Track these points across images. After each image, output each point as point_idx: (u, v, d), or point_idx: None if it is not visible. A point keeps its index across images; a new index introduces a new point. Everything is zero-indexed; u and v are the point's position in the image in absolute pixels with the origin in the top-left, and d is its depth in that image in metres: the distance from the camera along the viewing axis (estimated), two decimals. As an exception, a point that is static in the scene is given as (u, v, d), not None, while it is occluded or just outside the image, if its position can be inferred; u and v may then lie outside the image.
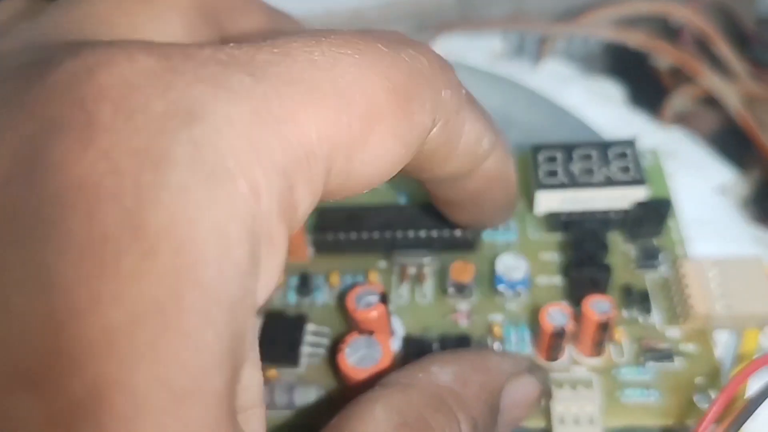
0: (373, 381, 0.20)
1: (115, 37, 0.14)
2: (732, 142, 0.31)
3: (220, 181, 0.11)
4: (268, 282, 0.12)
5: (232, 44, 0.13)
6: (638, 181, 0.23)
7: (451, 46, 0.33)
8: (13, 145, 0.11)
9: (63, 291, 0.10)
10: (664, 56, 0.32)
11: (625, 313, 0.23)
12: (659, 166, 0.26)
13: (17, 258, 0.10)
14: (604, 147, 0.24)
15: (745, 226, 0.27)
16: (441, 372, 0.18)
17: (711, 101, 0.32)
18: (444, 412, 0.17)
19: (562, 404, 0.20)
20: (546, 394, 0.20)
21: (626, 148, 0.24)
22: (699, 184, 0.28)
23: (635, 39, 0.32)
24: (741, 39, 0.34)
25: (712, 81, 0.31)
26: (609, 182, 0.23)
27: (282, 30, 0.15)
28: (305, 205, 0.13)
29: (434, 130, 0.15)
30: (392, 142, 0.14)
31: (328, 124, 0.13)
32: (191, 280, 0.10)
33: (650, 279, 0.23)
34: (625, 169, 0.23)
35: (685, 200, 0.26)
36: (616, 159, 0.24)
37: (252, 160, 0.11)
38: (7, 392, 0.10)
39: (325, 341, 0.22)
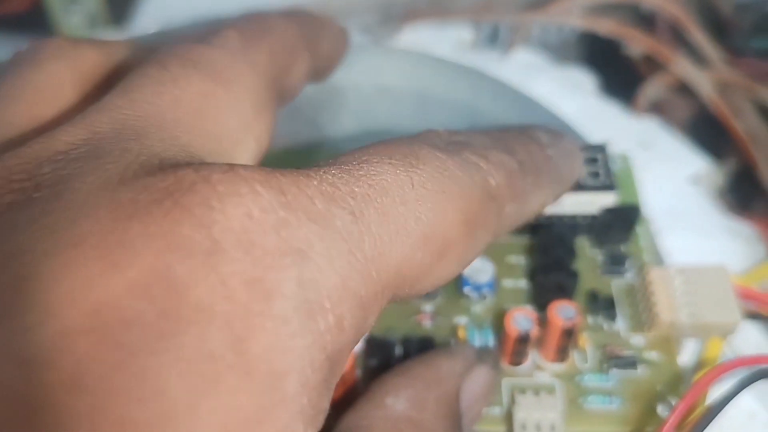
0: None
1: (203, 130, 0.15)
2: (706, 130, 0.31)
3: (315, 316, 0.12)
4: (329, 396, 0.13)
5: (333, 170, 0.14)
6: (608, 187, 0.23)
7: (418, 36, 0.33)
8: (141, 257, 0.11)
9: (167, 400, 0.11)
10: (635, 44, 0.32)
11: (590, 319, 0.22)
12: (629, 170, 0.26)
13: (132, 365, 0.11)
14: (575, 151, 0.24)
15: (719, 216, 0.27)
16: (396, 402, 0.18)
17: (685, 89, 0.32)
18: None
19: (524, 411, 0.20)
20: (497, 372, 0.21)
21: (597, 152, 0.24)
22: (673, 174, 0.28)
23: (606, 27, 0.32)
24: (718, 26, 0.34)
25: (685, 68, 0.31)
26: (578, 187, 0.23)
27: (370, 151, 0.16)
28: (371, 326, 0.14)
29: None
30: (456, 266, 0.16)
31: (406, 260, 0.15)
32: (278, 400, 0.12)
33: (616, 285, 0.23)
34: (595, 175, 0.23)
35: (659, 191, 0.26)
36: (586, 163, 0.23)
37: (342, 297, 0.13)
38: None
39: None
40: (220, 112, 0.16)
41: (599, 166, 0.24)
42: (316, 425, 0.13)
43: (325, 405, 0.13)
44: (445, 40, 0.33)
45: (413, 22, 0.33)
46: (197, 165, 0.13)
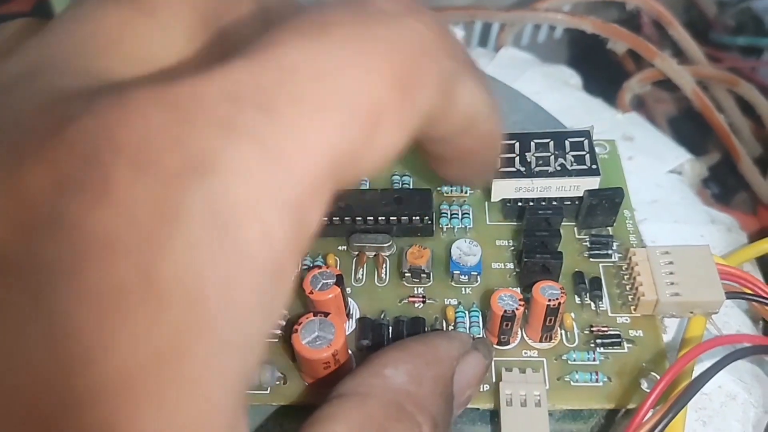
0: (327, 361, 0.21)
1: (124, 55, 0.14)
2: (689, 124, 0.31)
3: (231, 232, 0.11)
4: (275, 314, 0.13)
5: (239, 62, 0.13)
6: (593, 171, 0.24)
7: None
8: (33, 197, 0.11)
9: (78, 338, 0.10)
10: (619, 41, 0.32)
11: (577, 300, 0.23)
12: (616, 155, 0.27)
13: (36, 307, 0.10)
14: (561, 136, 0.25)
15: (700, 206, 0.28)
16: (395, 374, 0.18)
17: (668, 84, 0.32)
18: (404, 419, 0.18)
19: (511, 387, 0.21)
20: (490, 362, 0.21)
21: (583, 137, 0.24)
22: (656, 166, 0.28)
23: (590, 24, 0.33)
24: (702, 23, 0.35)
25: (668, 64, 0.31)
26: (564, 172, 0.24)
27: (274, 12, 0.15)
28: (316, 222, 0.13)
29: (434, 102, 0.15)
30: (397, 134, 0.14)
31: (335, 141, 0.13)
32: (199, 331, 0.11)
33: (603, 267, 0.24)
34: (581, 159, 0.24)
35: (642, 183, 0.26)
36: (572, 149, 0.24)
37: (264, 204, 0.12)
38: None
39: (281, 322, 0.23)
40: (143, 37, 0.15)
41: (584, 151, 0.24)
42: (254, 352, 0.12)
43: (264, 327, 0.12)
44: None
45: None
46: (87, 94, 0.12)
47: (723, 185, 0.32)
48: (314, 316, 0.21)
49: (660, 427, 0.19)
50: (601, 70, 0.33)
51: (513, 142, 0.25)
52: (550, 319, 0.21)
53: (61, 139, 0.11)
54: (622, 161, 0.27)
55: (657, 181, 0.28)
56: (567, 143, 0.24)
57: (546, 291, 0.21)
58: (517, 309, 0.21)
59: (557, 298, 0.21)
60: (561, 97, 0.32)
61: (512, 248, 0.24)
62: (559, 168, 0.24)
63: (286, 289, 0.12)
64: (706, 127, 0.31)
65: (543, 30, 0.36)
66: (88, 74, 0.13)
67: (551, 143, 0.24)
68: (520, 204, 0.24)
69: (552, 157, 0.24)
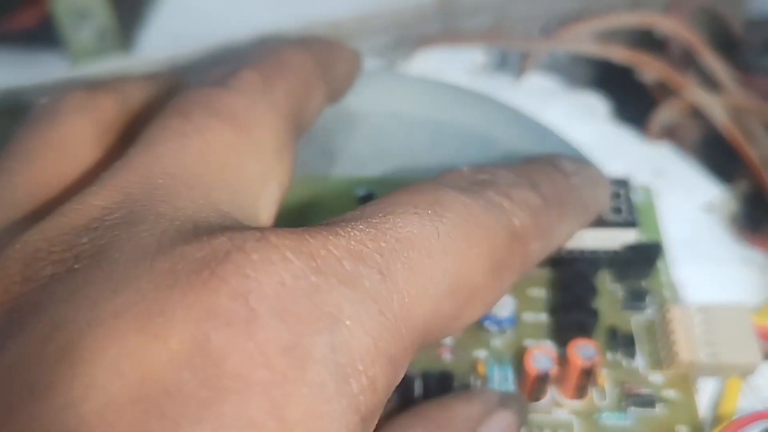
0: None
1: (228, 184, 0.16)
2: (719, 155, 0.31)
3: (349, 379, 0.13)
4: None
5: (360, 225, 0.14)
6: (630, 224, 0.23)
7: (431, 60, 0.33)
8: (186, 329, 0.12)
9: None
10: (649, 70, 0.32)
11: (609, 356, 0.23)
12: (651, 203, 0.26)
13: None
14: (597, 185, 0.24)
15: (732, 245, 0.27)
16: None
17: (698, 114, 0.32)
18: None
19: (543, 450, 0.20)
20: (524, 421, 0.20)
21: (620, 187, 0.24)
22: (686, 201, 0.28)
23: (618, 53, 0.32)
24: (729, 43, 0.34)
25: (697, 94, 0.31)
26: (600, 222, 0.23)
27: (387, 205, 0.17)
28: (402, 376, 0.15)
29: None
30: (482, 310, 0.17)
31: (434, 313, 0.15)
32: None
33: (636, 321, 0.23)
34: (618, 210, 0.23)
35: (673, 221, 0.26)
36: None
37: (374, 358, 0.13)
38: None
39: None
40: (244, 161, 0.16)
41: (621, 202, 0.24)
42: None
43: None
44: (458, 64, 0.33)
45: (426, 46, 0.33)
46: (231, 233, 0.13)
47: (754, 219, 0.31)
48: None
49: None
50: (628, 98, 0.33)
51: (548, 189, 0.24)
52: (584, 379, 0.21)
53: (210, 272, 0.12)
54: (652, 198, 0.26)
55: (688, 218, 0.27)
56: (603, 192, 0.24)
57: (581, 351, 0.21)
58: (551, 369, 0.21)
59: (592, 359, 0.21)
60: (588, 128, 0.31)
61: (545, 298, 0.24)
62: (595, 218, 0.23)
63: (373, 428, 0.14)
64: (737, 157, 0.30)
65: (567, 56, 0.35)
66: (208, 206, 0.15)
67: (587, 192, 0.24)
68: (553, 253, 0.24)
69: (588, 207, 0.23)
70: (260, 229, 0.13)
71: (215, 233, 0.13)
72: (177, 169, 0.15)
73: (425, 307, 0.15)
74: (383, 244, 0.14)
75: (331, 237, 0.14)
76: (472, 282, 0.16)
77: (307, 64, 0.20)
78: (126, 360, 0.11)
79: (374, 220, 0.15)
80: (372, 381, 0.13)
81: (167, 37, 0.31)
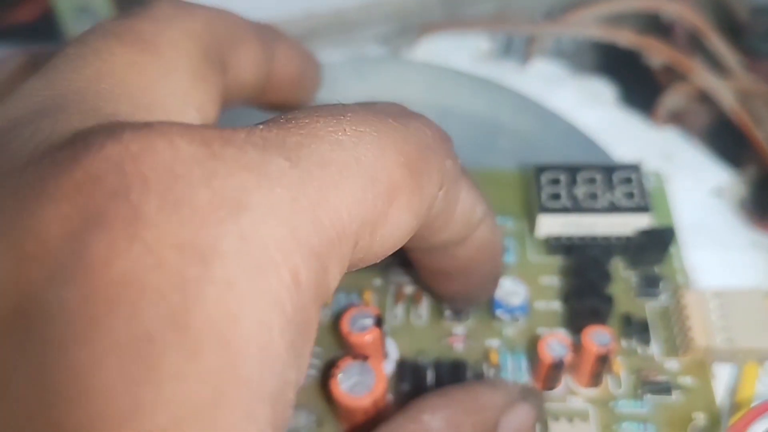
0: (366, 407, 0.20)
1: (131, 98, 0.14)
2: (727, 139, 0.30)
3: (265, 273, 0.11)
4: (303, 367, 0.12)
5: (261, 126, 0.13)
6: (643, 208, 0.23)
7: (435, 48, 0.32)
8: (53, 240, 0.10)
9: (103, 397, 0.10)
10: (655, 54, 0.31)
11: (624, 343, 0.22)
12: (662, 189, 0.26)
13: (55, 362, 0.10)
14: (608, 170, 0.24)
15: (742, 229, 0.27)
16: (432, 420, 0.18)
17: (705, 98, 0.31)
18: None
19: (560, 438, 0.20)
20: (541, 416, 0.20)
21: (631, 172, 0.23)
22: (695, 186, 0.28)
23: (625, 37, 0.32)
24: (735, 30, 0.34)
25: (705, 78, 0.30)
26: (613, 208, 0.23)
27: (295, 102, 0.16)
28: (336, 283, 0.13)
29: (438, 198, 0.16)
30: (407, 215, 0.15)
31: (356, 202, 0.13)
32: (234, 379, 0.10)
33: (650, 308, 0.23)
34: (630, 195, 0.23)
35: (682, 205, 0.25)
36: (620, 184, 0.23)
37: (293, 248, 0.11)
38: None
39: (317, 362, 0.22)
40: (149, 80, 0.15)
41: (634, 187, 0.23)
42: (286, 402, 0.11)
43: (294, 376, 0.12)
44: (462, 51, 0.32)
45: (430, 33, 0.32)
46: (108, 126, 0.12)
47: (763, 203, 0.31)
48: (353, 359, 0.20)
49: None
50: (634, 83, 0.32)
51: (559, 175, 0.24)
52: (600, 366, 0.21)
53: (82, 171, 0.11)
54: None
55: (697, 203, 0.27)
56: (615, 178, 0.23)
57: (596, 338, 0.20)
58: (565, 357, 0.20)
59: (607, 346, 0.20)
60: (595, 114, 0.31)
61: (558, 286, 0.23)
62: (607, 204, 0.23)
63: (311, 342, 0.12)
64: (745, 141, 0.30)
65: (573, 41, 0.34)
66: (99, 116, 0.13)
67: (598, 177, 0.23)
68: (565, 240, 0.23)
69: (599, 192, 0.23)
70: (146, 121, 0.12)
71: (92, 131, 0.12)
72: (68, 89, 0.14)
73: (345, 195, 0.13)
74: (288, 138, 0.13)
75: (228, 131, 0.12)
76: (390, 176, 0.14)
77: (233, 15, 0.19)
78: None
79: (275, 122, 0.13)
80: (294, 275, 0.11)
81: None
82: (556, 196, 0.23)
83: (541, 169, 0.24)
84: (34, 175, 0.11)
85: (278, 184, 0.12)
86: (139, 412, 0.10)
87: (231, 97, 0.18)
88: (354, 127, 0.14)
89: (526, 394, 0.20)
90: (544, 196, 0.23)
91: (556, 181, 0.23)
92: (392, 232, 0.14)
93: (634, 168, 0.24)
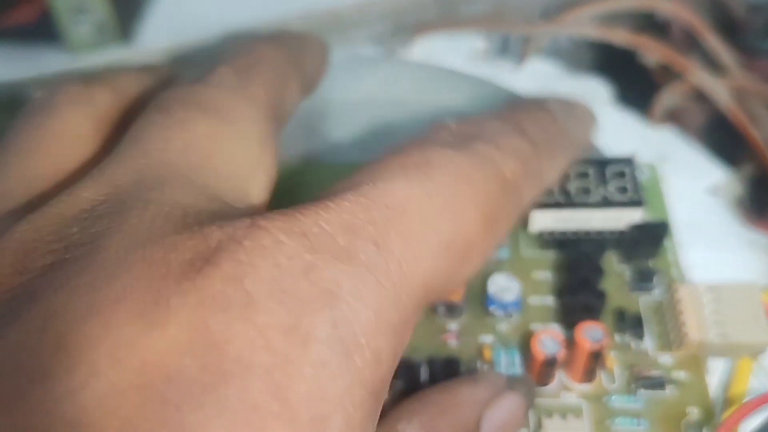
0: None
1: (216, 172, 0.16)
2: (724, 138, 0.30)
3: (352, 355, 0.13)
4: (373, 428, 0.14)
5: (350, 196, 0.14)
6: (636, 203, 0.23)
7: (431, 47, 0.32)
8: (184, 316, 0.12)
9: None
10: (651, 53, 0.31)
11: (617, 338, 0.22)
12: (657, 181, 0.26)
13: (179, 420, 0.11)
14: (601, 165, 0.24)
15: (738, 228, 0.27)
16: (407, 428, 0.18)
17: (701, 97, 0.31)
18: None
19: (553, 435, 0.20)
20: (531, 403, 0.20)
21: (624, 166, 0.23)
22: (691, 185, 0.27)
23: (620, 37, 0.32)
24: (731, 27, 0.34)
25: (700, 77, 0.30)
26: (606, 203, 0.23)
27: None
28: (408, 341, 0.15)
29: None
30: (480, 261, 0.17)
31: (431, 274, 0.15)
32: None
33: (644, 302, 0.23)
34: (623, 189, 0.23)
35: (678, 204, 0.25)
36: (613, 178, 0.23)
37: (377, 331, 0.13)
38: None
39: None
40: (228, 150, 0.16)
41: (627, 180, 0.23)
42: None
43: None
44: (458, 51, 0.32)
45: (425, 33, 0.32)
46: (221, 222, 0.13)
47: (759, 202, 0.31)
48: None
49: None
50: (631, 78, 0.32)
51: (551, 169, 0.24)
52: (593, 362, 0.21)
53: (205, 259, 0.12)
54: (656, 181, 0.26)
55: (692, 202, 0.27)
56: (608, 172, 0.23)
57: (589, 333, 0.20)
58: (558, 353, 0.20)
59: (600, 341, 0.20)
60: None
61: (551, 281, 0.23)
62: (600, 198, 0.23)
63: (380, 407, 0.14)
64: (741, 139, 0.30)
65: (569, 40, 0.34)
66: (196, 190, 0.15)
67: (591, 171, 0.23)
68: (558, 235, 0.23)
69: (592, 187, 0.23)
70: (250, 216, 0.13)
71: (205, 222, 0.13)
72: (163, 160, 0.15)
73: (423, 270, 0.15)
74: (375, 214, 0.14)
75: (321, 212, 0.14)
76: (467, 237, 0.16)
77: (281, 57, 0.21)
78: (125, 347, 0.11)
79: (364, 189, 0.15)
80: (376, 353, 0.13)
81: (166, 29, 0.31)
82: (548, 191, 0.23)
83: (533, 165, 0.24)
84: (158, 255, 0.12)
85: (365, 270, 0.13)
86: None
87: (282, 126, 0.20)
88: (438, 193, 0.15)
89: (514, 383, 0.20)
90: (536, 191, 0.23)
91: (548, 176, 0.23)
92: (461, 281, 0.17)
93: (628, 161, 0.24)
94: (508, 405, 0.19)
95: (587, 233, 0.23)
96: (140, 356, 0.11)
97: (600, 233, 0.23)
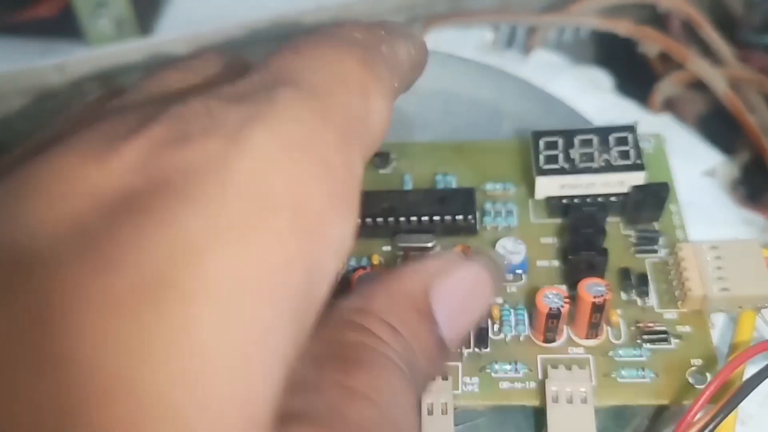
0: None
1: None
2: (721, 125, 0.31)
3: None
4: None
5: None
6: (637, 167, 0.23)
7: (441, 39, 0.34)
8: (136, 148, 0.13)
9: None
10: (652, 43, 0.32)
11: (623, 296, 0.23)
12: (662, 149, 0.27)
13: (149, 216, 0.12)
14: (605, 132, 0.25)
15: (734, 208, 0.28)
16: (345, 301, 0.17)
17: (700, 86, 0.32)
18: (357, 330, 0.16)
19: (557, 384, 0.21)
20: (498, 277, 0.18)
21: (627, 132, 0.24)
22: (689, 168, 0.28)
23: (623, 27, 0.33)
24: (729, 23, 0.34)
25: (699, 66, 0.31)
26: (608, 168, 0.24)
27: None
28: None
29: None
30: (384, 100, 0.17)
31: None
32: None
33: (650, 262, 0.24)
34: (625, 155, 0.24)
35: (676, 185, 0.26)
36: (616, 144, 0.24)
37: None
38: None
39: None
40: None
41: (629, 147, 0.24)
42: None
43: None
44: (468, 42, 0.34)
45: (437, 25, 0.34)
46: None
47: (754, 185, 0.32)
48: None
49: (710, 427, 0.19)
50: (632, 70, 0.33)
51: (556, 138, 0.25)
52: (596, 316, 0.21)
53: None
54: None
55: (690, 183, 0.28)
56: (611, 139, 0.24)
57: (591, 288, 0.21)
58: (562, 307, 0.21)
59: (603, 295, 0.21)
60: (594, 100, 0.31)
61: (558, 246, 0.24)
62: (603, 164, 0.24)
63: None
64: (738, 126, 0.31)
65: (572, 32, 0.36)
66: None
67: (595, 139, 0.24)
68: (564, 201, 0.24)
69: (596, 153, 0.24)
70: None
71: None
72: None
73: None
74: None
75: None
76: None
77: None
78: (79, 177, 0.12)
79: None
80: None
81: (184, 22, 0.32)
82: (553, 159, 0.24)
83: (538, 134, 0.25)
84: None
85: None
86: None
87: None
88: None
89: (475, 255, 0.18)
90: (541, 159, 0.24)
91: (553, 145, 0.24)
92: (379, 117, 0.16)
93: (630, 128, 0.24)
94: (465, 275, 0.17)
95: (591, 197, 0.24)
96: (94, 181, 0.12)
97: (604, 196, 0.24)
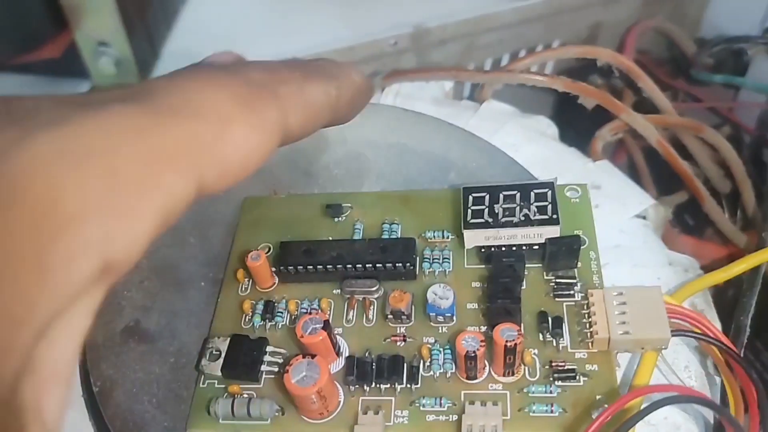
0: (312, 397, 0.24)
1: None
2: (659, 166, 0.34)
3: None
4: None
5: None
6: (553, 221, 0.26)
7: (405, 87, 0.37)
8: None
9: None
10: (588, 97, 0.35)
11: (540, 337, 0.26)
12: (587, 199, 0.29)
13: None
14: (527, 188, 0.27)
15: (660, 249, 0.30)
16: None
17: (636, 134, 0.35)
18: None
19: (471, 419, 0.24)
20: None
21: (547, 189, 0.27)
22: (621, 212, 0.31)
23: (561, 84, 0.36)
24: (683, 63, 0.37)
25: (633, 118, 0.34)
26: (528, 222, 0.26)
27: None
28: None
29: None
30: (265, 133, 0.19)
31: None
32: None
33: (567, 305, 0.26)
34: (543, 209, 0.27)
35: (607, 229, 0.29)
36: (536, 200, 0.27)
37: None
38: None
39: (281, 361, 0.26)
40: None
41: (548, 201, 0.27)
42: None
43: None
44: (428, 91, 0.37)
45: (398, 78, 0.37)
46: None
47: (693, 221, 0.34)
48: (303, 357, 0.24)
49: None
50: (576, 119, 0.36)
51: (484, 194, 0.27)
52: (510, 357, 0.24)
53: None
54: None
55: (621, 227, 0.30)
56: (532, 194, 0.27)
57: (504, 333, 0.24)
58: (477, 350, 0.24)
59: (514, 340, 0.24)
60: (537, 148, 0.34)
61: (483, 290, 0.27)
62: (523, 218, 0.27)
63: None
64: (672, 171, 0.33)
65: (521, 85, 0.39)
66: None
67: (518, 195, 0.27)
68: (491, 249, 0.27)
69: (517, 208, 0.27)
70: None
71: None
72: None
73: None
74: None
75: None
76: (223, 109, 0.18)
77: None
78: None
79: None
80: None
81: (182, 61, 0.35)
82: (479, 214, 0.27)
83: (468, 190, 0.28)
84: None
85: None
86: None
87: None
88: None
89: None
90: (469, 213, 0.27)
91: (480, 200, 0.27)
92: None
93: (549, 185, 0.27)
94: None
95: (512, 248, 0.27)
96: None
97: (521, 247, 0.27)
